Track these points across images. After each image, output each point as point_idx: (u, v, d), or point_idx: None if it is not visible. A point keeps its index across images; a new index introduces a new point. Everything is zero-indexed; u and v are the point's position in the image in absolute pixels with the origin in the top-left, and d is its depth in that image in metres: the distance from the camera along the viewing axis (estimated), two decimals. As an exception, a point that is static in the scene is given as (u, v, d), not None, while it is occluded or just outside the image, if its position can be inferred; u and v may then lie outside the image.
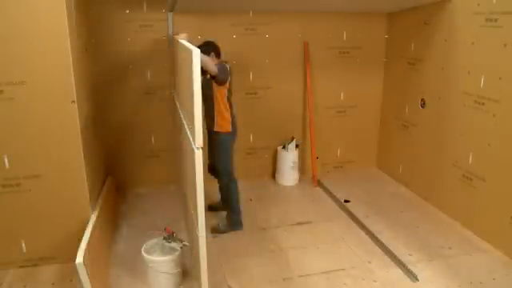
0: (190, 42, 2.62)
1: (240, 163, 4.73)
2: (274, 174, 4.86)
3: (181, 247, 2.94)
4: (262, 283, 3.01)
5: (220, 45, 3.55)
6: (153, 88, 4.32)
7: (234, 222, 3.71)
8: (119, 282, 3.02)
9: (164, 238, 2.99)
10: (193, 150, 2.41)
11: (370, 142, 5.11)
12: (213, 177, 3.72)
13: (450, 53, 3.82)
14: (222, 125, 3.49)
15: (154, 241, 3.05)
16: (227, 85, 3.42)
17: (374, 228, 3.70)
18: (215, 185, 3.77)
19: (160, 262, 2.87)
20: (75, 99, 2.90)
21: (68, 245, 3.13)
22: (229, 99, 3.49)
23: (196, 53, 2.24)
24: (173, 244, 2.95)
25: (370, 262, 3.26)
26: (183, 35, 3.21)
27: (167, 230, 3.00)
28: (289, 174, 4.71)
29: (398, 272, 3.14)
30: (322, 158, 4.91)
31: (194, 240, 2.89)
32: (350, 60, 4.75)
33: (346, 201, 4.28)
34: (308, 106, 4.70)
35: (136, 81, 4.28)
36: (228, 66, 3.43)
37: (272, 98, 4.63)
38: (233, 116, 3.57)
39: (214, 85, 3.34)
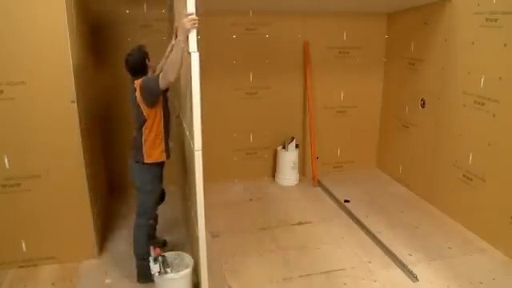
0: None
1: (240, 163, 4.74)
2: (274, 174, 4.86)
3: (159, 272, 2.65)
4: (262, 283, 3.01)
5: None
6: (153, 88, 4.32)
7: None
8: (119, 282, 3.02)
9: (154, 259, 2.69)
10: (193, 151, 2.41)
11: (369, 142, 5.11)
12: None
13: (450, 53, 3.82)
14: None
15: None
16: None
17: (373, 228, 3.70)
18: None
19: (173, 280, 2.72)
20: (75, 99, 2.91)
21: (68, 245, 3.14)
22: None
23: (195, 56, 2.25)
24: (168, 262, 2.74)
25: (370, 262, 3.26)
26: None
27: (156, 251, 2.73)
28: (289, 174, 4.71)
29: (398, 272, 3.14)
30: (322, 158, 4.91)
31: (194, 240, 2.89)
32: (350, 60, 4.75)
33: (346, 201, 4.28)
34: (308, 106, 4.70)
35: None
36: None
37: (272, 97, 4.63)
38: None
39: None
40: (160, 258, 2.69)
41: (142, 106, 2.72)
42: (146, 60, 2.78)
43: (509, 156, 3.27)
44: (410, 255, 3.33)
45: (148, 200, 2.95)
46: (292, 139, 4.69)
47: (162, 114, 2.81)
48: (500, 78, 3.29)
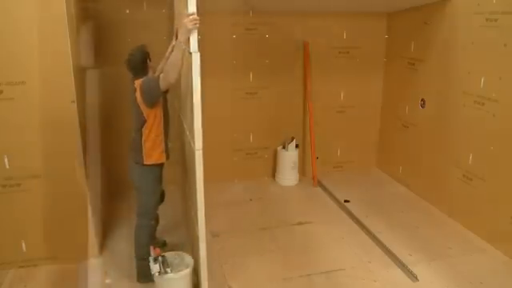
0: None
1: (240, 163, 4.74)
2: (274, 174, 4.86)
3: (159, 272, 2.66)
4: (262, 283, 3.01)
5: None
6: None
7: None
8: (119, 282, 3.01)
9: (154, 259, 2.68)
10: (193, 151, 2.42)
11: (369, 142, 5.11)
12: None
13: (450, 53, 3.82)
14: None
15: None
16: None
17: (373, 228, 3.70)
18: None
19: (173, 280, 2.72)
20: (75, 99, 2.91)
21: (68, 245, 3.14)
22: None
23: (196, 56, 2.25)
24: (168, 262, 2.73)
25: (370, 262, 3.26)
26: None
27: (156, 251, 2.72)
28: (289, 174, 4.71)
29: (398, 272, 3.14)
30: (322, 158, 4.90)
31: (194, 240, 2.89)
32: (350, 60, 4.75)
33: (346, 201, 4.28)
34: (308, 106, 4.70)
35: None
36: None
37: (272, 98, 4.63)
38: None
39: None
40: (160, 258, 2.68)
41: (142, 107, 2.72)
42: (148, 60, 2.78)
43: (509, 156, 3.27)
44: (410, 255, 3.33)
45: (149, 201, 2.95)
46: (292, 139, 4.69)
47: (162, 115, 2.81)
48: (500, 78, 3.29)
